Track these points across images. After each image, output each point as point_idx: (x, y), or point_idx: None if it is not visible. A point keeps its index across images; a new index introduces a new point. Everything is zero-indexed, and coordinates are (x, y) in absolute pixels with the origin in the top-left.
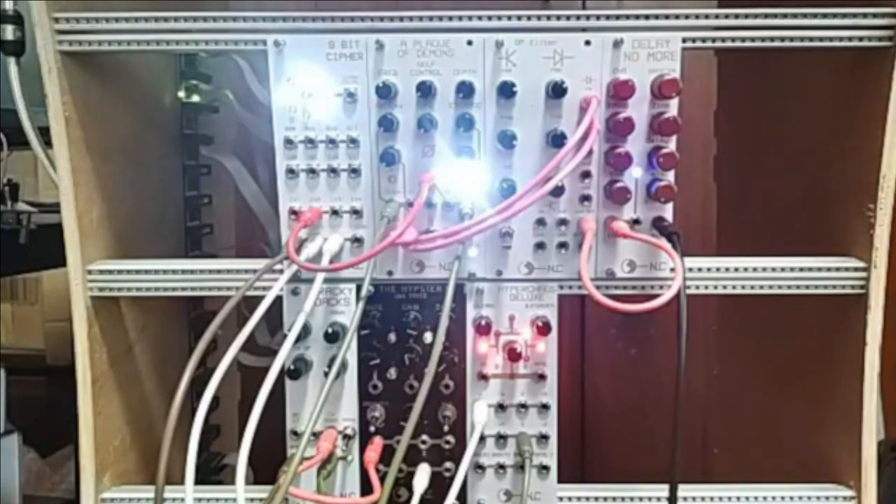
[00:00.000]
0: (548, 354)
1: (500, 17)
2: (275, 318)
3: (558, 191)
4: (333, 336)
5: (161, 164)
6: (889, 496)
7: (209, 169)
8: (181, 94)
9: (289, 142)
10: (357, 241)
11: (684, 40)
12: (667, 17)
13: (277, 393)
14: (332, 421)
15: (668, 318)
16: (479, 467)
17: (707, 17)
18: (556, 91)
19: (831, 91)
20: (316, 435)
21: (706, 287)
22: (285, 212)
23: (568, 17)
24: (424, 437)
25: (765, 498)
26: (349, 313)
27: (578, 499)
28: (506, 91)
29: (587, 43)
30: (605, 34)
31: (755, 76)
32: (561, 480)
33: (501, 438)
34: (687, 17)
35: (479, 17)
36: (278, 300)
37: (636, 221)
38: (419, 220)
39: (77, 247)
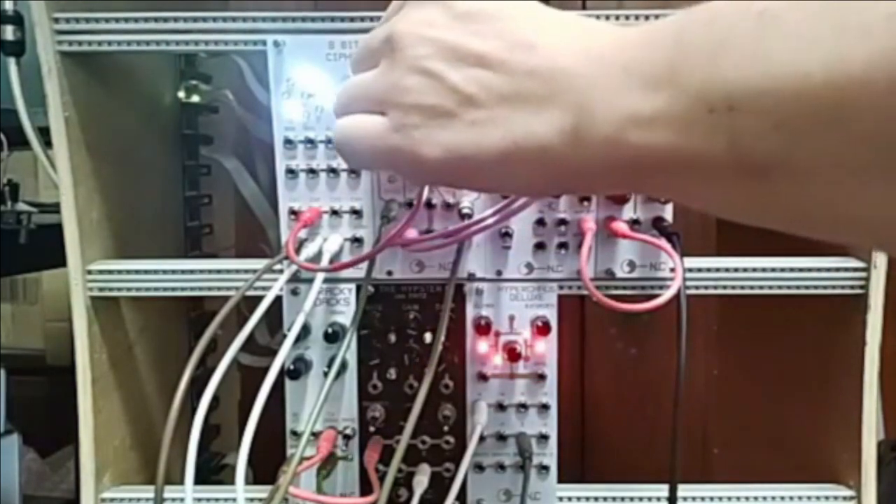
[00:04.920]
0: (548, 354)
1: None
2: (275, 318)
3: None
4: (333, 336)
5: (161, 164)
6: (889, 496)
7: (209, 169)
8: (181, 94)
9: (288, 142)
10: (357, 241)
11: None
12: (667, 17)
13: (277, 393)
14: (331, 421)
15: (668, 318)
16: (478, 467)
17: None
18: None
19: None
20: (316, 435)
21: (706, 287)
22: (285, 212)
23: None
24: (424, 437)
25: (765, 498)
26: (349, 313)
27: (578, 499)
28: None
29: None
30: None
31: None
32: (561, 480)
33: (501, 438)
34: None
35: None
36: (278, 300)
37: (636, 221)
38: (419, 220)
39: (77, 247)
